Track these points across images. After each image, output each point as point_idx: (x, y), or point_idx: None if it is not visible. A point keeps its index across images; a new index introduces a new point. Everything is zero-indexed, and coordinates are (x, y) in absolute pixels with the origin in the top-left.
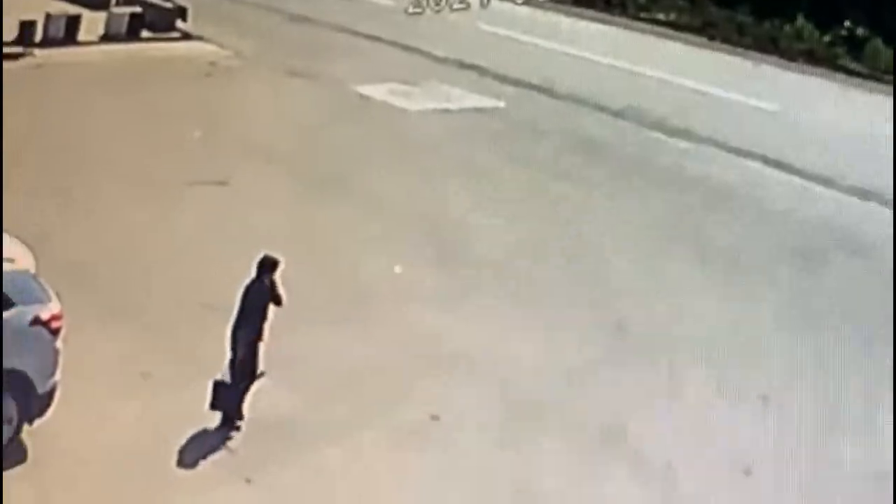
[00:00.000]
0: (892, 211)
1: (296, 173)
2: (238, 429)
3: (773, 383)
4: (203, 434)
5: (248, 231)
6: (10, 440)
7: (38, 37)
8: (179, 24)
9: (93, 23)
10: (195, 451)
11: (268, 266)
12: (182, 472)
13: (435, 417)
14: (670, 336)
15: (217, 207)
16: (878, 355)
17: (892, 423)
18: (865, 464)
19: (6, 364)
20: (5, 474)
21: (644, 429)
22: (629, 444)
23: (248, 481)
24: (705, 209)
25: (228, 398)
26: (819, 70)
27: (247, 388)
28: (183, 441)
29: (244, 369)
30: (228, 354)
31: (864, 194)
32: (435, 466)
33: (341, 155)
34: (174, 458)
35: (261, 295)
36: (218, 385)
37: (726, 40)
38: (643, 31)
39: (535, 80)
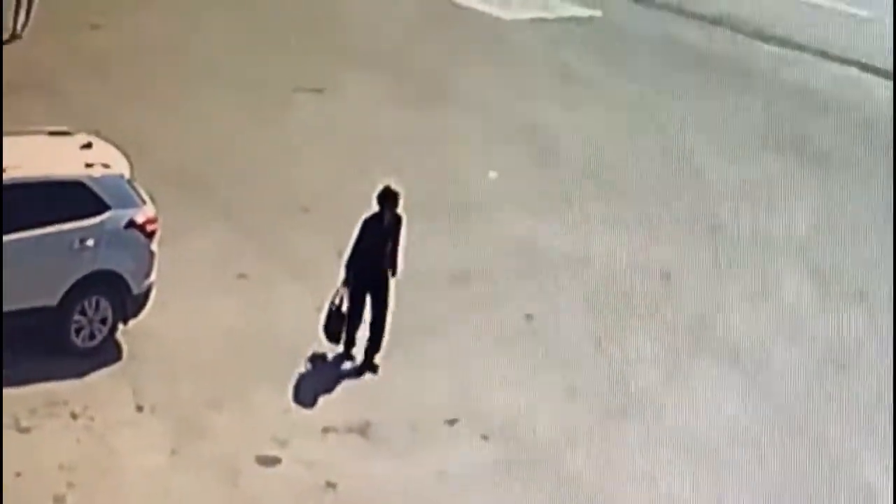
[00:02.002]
0: None
1: (392, 80)
2: (352, 358)
3: (869, 281)
4: (320, 364)
5: (346, 137)
6: (105, 339)
7: None
8: None
9: None
10: (311, 387)
11: (389, 198)
12: (280, 366)
13: (529, 317)
14: (765, 236)
15: (316, 113)
16: None
17: None
18: None
19: (102, 266)
20: (100, 373)
21: (738, 327)
22: (723, 341)
23: None
24: (801, 114)
25: (338, 325)
26: None
27: (378, 334)
28: (298, 371)
29: (359, 305)
30: (340, 281)
31: None
32: (530, 364)
33: (438, 62)
34: (271, 356)
35: (380, 230)
36: (331, 309)
37: None
38: None
39: None
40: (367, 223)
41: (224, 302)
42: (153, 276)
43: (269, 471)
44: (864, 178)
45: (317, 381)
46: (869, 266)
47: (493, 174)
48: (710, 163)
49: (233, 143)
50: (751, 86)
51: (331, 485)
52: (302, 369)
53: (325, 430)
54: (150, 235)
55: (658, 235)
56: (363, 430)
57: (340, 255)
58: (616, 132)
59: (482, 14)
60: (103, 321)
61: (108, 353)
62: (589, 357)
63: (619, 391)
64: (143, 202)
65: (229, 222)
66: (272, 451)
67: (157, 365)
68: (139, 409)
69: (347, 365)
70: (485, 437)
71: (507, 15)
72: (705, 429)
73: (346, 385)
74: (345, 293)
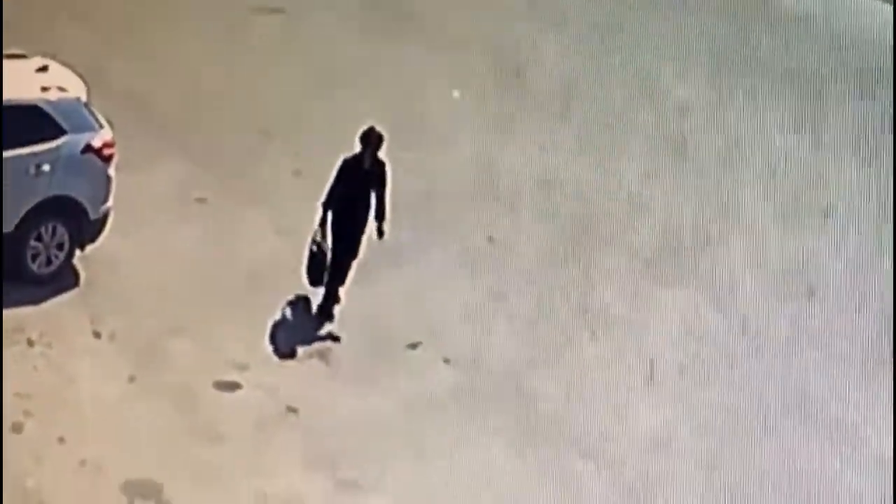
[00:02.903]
0: None
1: (354, 1)
2: (338, 301)
3: (835, 200)
4: (304, 312)
5: (307, 59)
6: (62, 266)
7: None
8: None
9: None
10: (293, 334)
11: (373, 140)
12: (240, 291)
13: (492, 239)
14: (731, 156)
15: (275, 35)
16: None
17: None
18: None
19: (59, 191)
20: (57, 300)
21: (703, 248)
22: (691, 262)
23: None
24: (772, 34)
25: (320, 269)
26: None
27: (342, 273)
28: (278, 314)
29: (341, 245)
30: (316, 222)
31: None
32: (492, 287)
33: None
34: (230, 281)
35: (360, 173)
36: (311, 251)
37: None
38: None
39: None
40: (346, 164)
41: (183, 227)
42: (110, 202)
43: (229, 396)
44: (833, 98)
45: (295, 330)
46: (835, 185)
47: (456, 94)
48: (676, 83)
49: (191, 67)
50: (719, 4)
51: (292, 410)
52: (278, 315)
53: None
54: (108, 160)
55: (623, 156)
56: (324, 354)
57: (299, 176)
58: (581, 53)
59: None
60: (60, 247)
61: (66, 279)
62: (552, 279)
63: (582, 313)
64: (101, 126)
65: (188, 147)
66: (231, 377)
67: (115, 291)
68: (97, 335)
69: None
70: (447, 361)
71: None
72: (669, 350)
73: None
74: (323, 234)
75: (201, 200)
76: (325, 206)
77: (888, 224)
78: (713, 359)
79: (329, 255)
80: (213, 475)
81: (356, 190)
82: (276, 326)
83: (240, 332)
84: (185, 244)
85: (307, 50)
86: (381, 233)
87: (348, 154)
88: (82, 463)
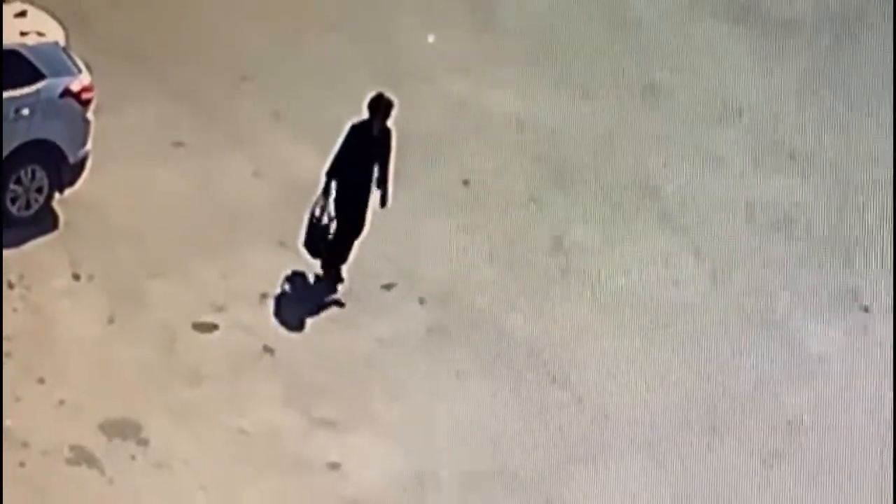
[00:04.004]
0: None
1: None
2: (341, 280)
3: (805, 143)
4: (300, 284)
5: (285, 5)
6: (41, 209)
7: None
8: None
9: None
10: (298, 307)
11: (382, 107)
12: (218, 234)
13: (467, 182)
14: (704, 99)
15: None
16: None
17: None
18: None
19: (38, 135)
20: (36, 242)
21: (676, 189)
22: (660, 200)
23: (281, 244)
24: None
25: (321, 241)
26: None
27: (346, 248)
28: (278, 289)
29: (345, 219)
30: (319, 190)
31: None
32: (467, 227)
33: None
34: (209, 223)
35: (366, 141)
36: (311, 221)
37: None
38: None
39: None
40: (354, 130)
41: (161, 170)
42: (89, 145)
43: (207, 337)
44: (807, 44)
45: (300, 302)
46: (804, 129)
47: (431, 38)
48: (647, 24)
49: (168, 10)
50: None
51: (268, 349)
52: (278, 290)
53: (263, 295)
54: (86, 104)
55: (597, 97)
56: None
57: (278, 119)
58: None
59: None
60: (39, 190)
61: (45, 222)
62: (526, 219)
63: (556, 252)
64: (79, 71)
65: (166, 91)
66: (209, 318)
67: (94, 234)
68: (76, 277)
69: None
70: (422, 302)
71: None
72: (643, 289)
73: (282, 253)
74: (325, 203)
75: (179, 144)
76: (330, 175)
77: (853, 163)
78: (684, 295)
79: (332, 227)
80: (191, 414)
81: (363, 158)
82: (279, 301)
83: (218, 273)
84: (163, 187)
85: None
86: (384, 201)
87: (356, 120)
88: (61, 402)
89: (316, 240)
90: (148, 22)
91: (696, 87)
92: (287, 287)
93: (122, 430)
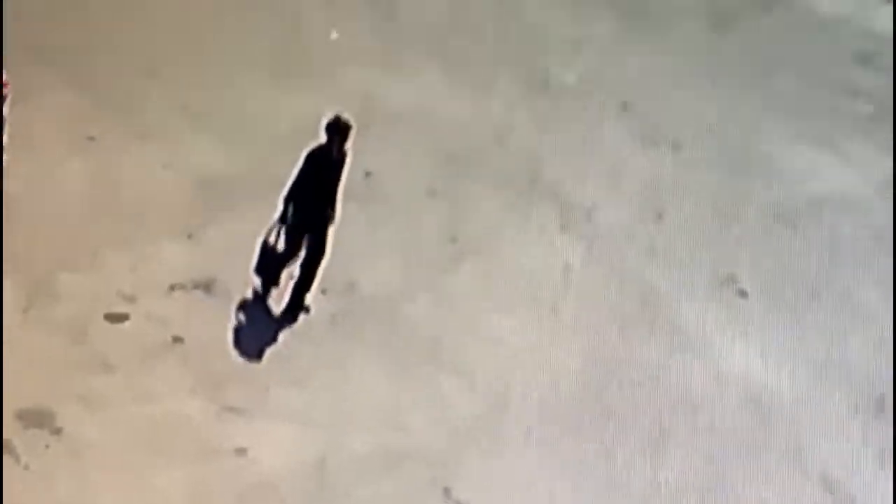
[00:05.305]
0: None
1: None
2: (306, 310)
3: (687, 134)
4: (252, 311)
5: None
6: None
7: None
8: None
9: None
10: (253, 339)
11: (340, 129)
12: (128, 226)
13: (368, 174)
14: (592, 89)
15: None
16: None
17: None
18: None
19: None
20: None
21: (566, 178)
22: (554, 191)
23: (189, 237)
24: None
25: (275, 267)
26: None
27: (311, 276)
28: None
29: (307, 245)
30: (276, 217)
31: None
32: (368, 218)
33: None
34: (119, 216)
35: (326, 166)
36: (266, 248)
37: None
38: None
39: None
40: (313, 156)
41: (72, 163)
42: (6, 139)
43: (117, 327)
44: (687, 36)
45: (256, 331)
46: (687, 120)
47: (334, 34)
48: (540, 19)
49: (79, 5)
50: None
51: (178, 339)
52: (234, 321)
53: (172, 287)
54: (2, 99)
55: (495, 91)
56: (208, 286)
57: (187, 112)
58: None
59: None
60: None
61: None
62: (426, 210)
63: (454, 243)
64: None
65: (77, 84)
66: (121, 309)
67: (8, 226)
68: None
69: (278, 308)
70: (323, 292)
71: None
72: (538, 275)
73: (190, 245)
74: (280, 230)
75: (89, 137)
76: (287, 201)
77: (734, 153)
78: (576, 285)
79: (285, 255)
80: (103, 402)
81: (322, 183)
82: (237, 332)
83: (128, 265)
84: (74, 180)
85: None
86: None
87: (313, 145)
88: None
89: (270, 266)
90: (56, 15)
91: (589, 81)
92: (242, 317)
93: (38, 418)
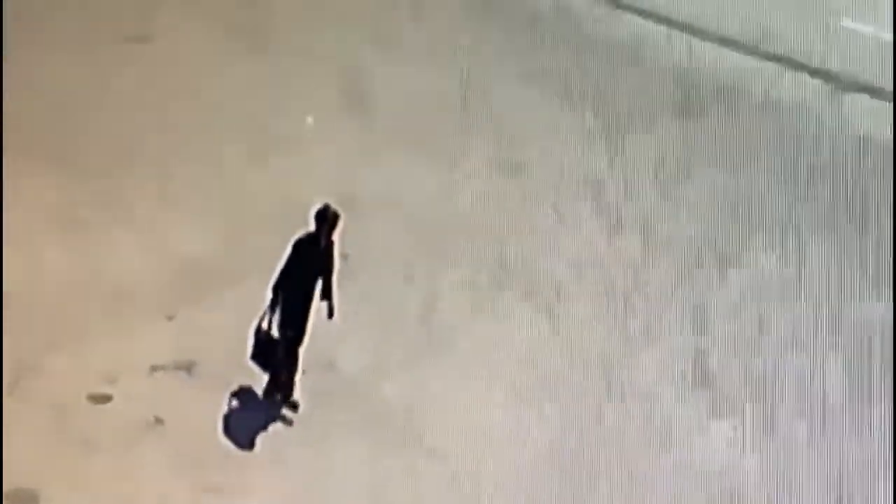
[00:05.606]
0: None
1: (217, 29)
2: (295, 407)
3: (651, 218)
4: (245, 398)
5: (173, 85)
6: None
7: None
8: None
9: None
10: (247, 426)
11: (328, 218)
12: (108, 308)
13: (345, 256)
14: (560, 175)
15: (144, 63)
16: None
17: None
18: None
19: None
20: None
21: (537, 260)
22: (523, 273)
23: (170, 319)
24: (594, 59)
25: (271, 355)
26: None
27: (295, 360)
28: (225, 407)
29: (291, 332)
30: (267, 304)
31: (733, 44)
32: (345, 300)
33: (263, 13)
34: (102, 298)
35: (314, 254)
36: (259, 335)
37: None
38: None
39: None
40: (300, 244)
41: (54, 247)
42: None
43: (100, 408)
44: (649, 124)
45: (249, 418)
46: (650, 205)
47: (310, 120)
48: (507, 108)
49: (61, 91)
50: (547, 35)
51: (159, 420)
52: (226, 408)
53: (153, 368)
54: None
55: (462, 176)
56: (189, 367)
57: (164, 197)
58: (421, 76)
59: None
60: None
61: None
62: (401, 293)
63: (429, 323)
64: None
65: (57, 169)
66: (103, 390)
67: None
68: None
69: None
70: (303, 371)
71: None
72: (506, 359)
73: (171, 327)
74: (272, 318)
75: (71, 220)
76: (276, 289)
77: (702, 241)
78: (542, 365)
79: (279, 341)
80: (86, 483)
81: (309, 271)
82: (228, 419)
83: (110, 346)
84: (57, 263)
85: (171, 76)
86: (331, 312)
87: (302, 233)
88: None
89: (265, 353)
90: (41, 101)
91: (555, 166)
92: (234, 403)
93: (22, 498)
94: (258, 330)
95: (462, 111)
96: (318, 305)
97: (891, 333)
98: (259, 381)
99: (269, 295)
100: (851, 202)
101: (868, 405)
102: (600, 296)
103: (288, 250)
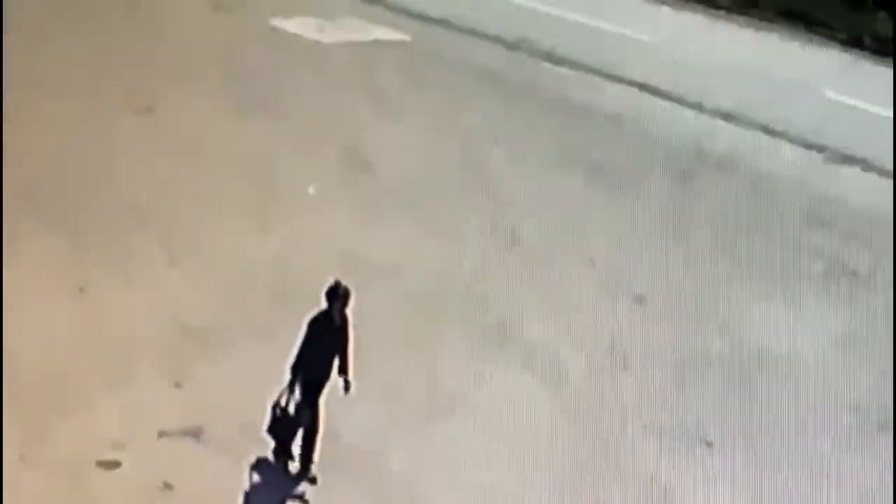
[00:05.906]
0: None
1: (218, 99)
2: (313, 481)
3: (651, 288)
4: (266, 471)
5: (175, 153)
6: None
7: None
8: None
9: None
10: (268, 496)
11: (340, 295)
12: (118, 375)
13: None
14: (559, 244)
15: (147, 133)
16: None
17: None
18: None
19: None
20: None
21: (537, 328)
22: (525, 342)
23: (176, 385)
24: (588, 130)
25: (289, 430)
26: (689, 5)
27: (311, 440)
28: (246, 484)
29: (305, 415)
30: (286, 384)
31: (727, 116)
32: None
33: (262, 82)
34: (109, 364)
35: (329, 331)
36: (276, 412)
37: None
38: None
39: (437, 15)
40: (315, 323)
41: (63, 314)
42: None
43: (110, 473)
44: (644, 192)
45: (269, 492)
46: (651, 275)
47: (311, 189)
48: (507, 177)
49: (70, 159)
50: (545, 104)
51: (168, 485)
52: (246, 484)
53: (161, 434)
54: None
55: (463, 245)
56: (197, 433)
57: (173, 263)
58: (423, 149)
59: (302, 37)
60: None
61: None
62: (404, 360)
63: (432, 392)
64: None
65: (64, 231)
66: (112, 455)
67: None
68: None
69: (293, 469)
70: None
71: (325, 39)
72: (511, 427)
73: (177, 393)
74: (290, 397)
75: (78, 285)
76: (295, 370)
77: (697, 306)
78: (542, 434)
79: (297, 420)
80: None
81: (326, 349)
82: (249, 494)
83: (118, 412)
84: (64, 327)
85: (173, 145)
86: (347, 387)
87: (315, 312)
88: None
89: (283, 429)
90: (44, 171)
91: (554, 235)
92: (255, 477)
93: None
94: (276, 405)
95: (464, 178)
96: (335, 381)
97: None
98: (268, 446)
99: (287, 375)
100: None
101: None
102: (600, 363)
103: (303, 329)
